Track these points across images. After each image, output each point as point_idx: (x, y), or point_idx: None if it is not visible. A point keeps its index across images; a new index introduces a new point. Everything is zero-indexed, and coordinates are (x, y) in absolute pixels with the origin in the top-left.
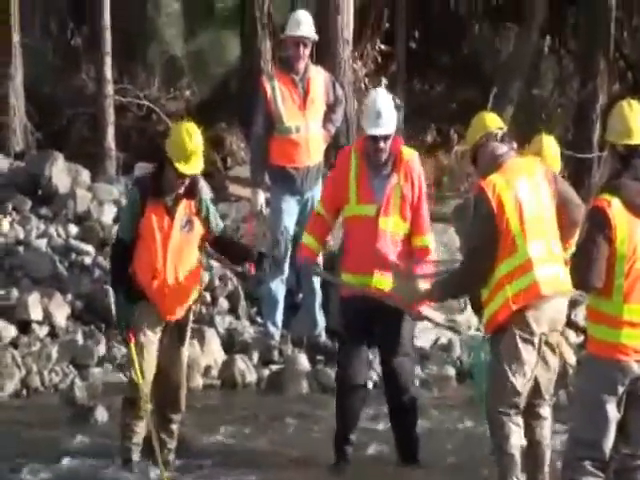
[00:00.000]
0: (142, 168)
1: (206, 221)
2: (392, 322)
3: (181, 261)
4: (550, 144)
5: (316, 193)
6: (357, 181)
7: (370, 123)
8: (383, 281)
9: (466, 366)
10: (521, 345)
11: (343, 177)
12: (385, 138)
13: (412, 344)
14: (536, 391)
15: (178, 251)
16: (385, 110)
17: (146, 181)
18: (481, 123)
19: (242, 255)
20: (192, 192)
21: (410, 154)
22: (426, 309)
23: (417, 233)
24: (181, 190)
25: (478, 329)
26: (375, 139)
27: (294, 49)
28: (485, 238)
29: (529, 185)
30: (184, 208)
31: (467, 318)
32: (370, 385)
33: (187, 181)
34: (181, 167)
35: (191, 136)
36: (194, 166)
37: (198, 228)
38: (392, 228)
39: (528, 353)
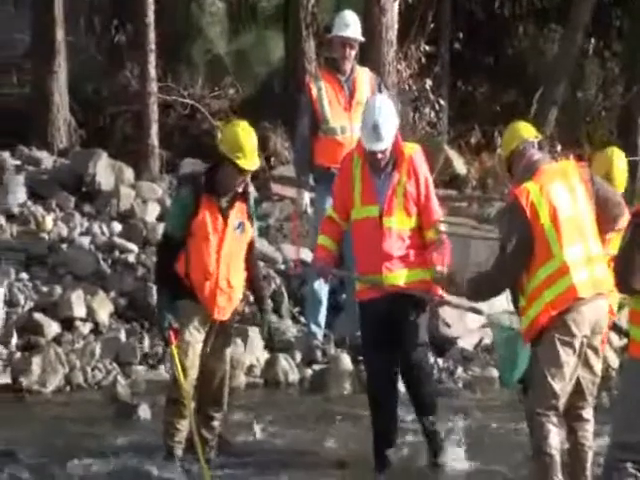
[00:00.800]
0: (189, 165)
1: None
2: (410, 319)
3: (233, 263)
4: (619, 160)
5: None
6: (360, 183)
7: (368, 138)
8: (394, 277)
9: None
10: (560, 348)
11: (347, 181)
12: (383, 151)
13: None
14: (579, 393)
15: (230, 253)
16: (383, 122)
17: (198, 178)
18: (516, 133)
19: (254, 290)
20: (245, 194)
21: (412, 150)
22: (446, 294)
23: (427, 227)
24: (240, 188)
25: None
26: (374, 152)
27: (341, 50)
28: (519, 246)
29: (564, 188)
30: (238, 210)
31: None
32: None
33: (247, 178)
34: (242, 163)
35: (248, 133)
36: (253, 162)
37: (249, 230)
38: (397, 225)
39: (567, 356)
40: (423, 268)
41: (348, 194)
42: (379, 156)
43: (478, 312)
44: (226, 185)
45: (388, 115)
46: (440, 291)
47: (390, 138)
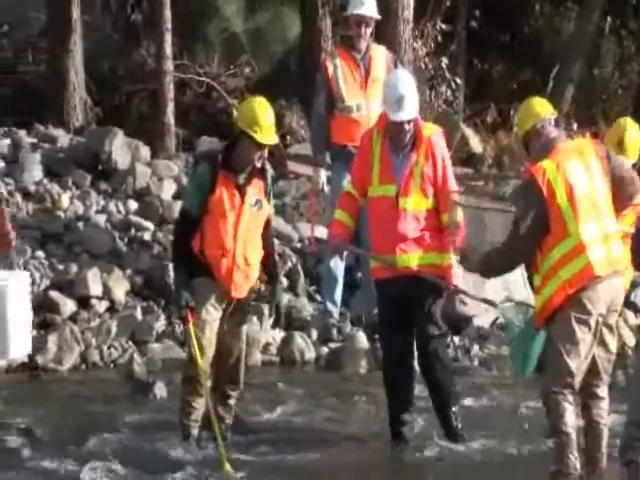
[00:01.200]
0: (206, 142)
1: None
2: (426, 300)
3: (250, 240)
4: (632, 130)
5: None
6: (379, 161)
7: (393, 109)
8: (407, 259)
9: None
10: (576, 326)
11: (367, 158)
12: (409, 121)
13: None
14: (594, 371)
15: (247, 230)
16: (407, 93)
17: (216, 155)
18: (532, 110)
19: (268, 270)
20: (263, 171)
21: (431, 131)
22: (460, 283)
23: (444, 210)
24: (258, 164)
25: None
26: (399, 123)
27: (356, 28)
28: (534, 224)
29: (580, 166)
30: (255, 187)
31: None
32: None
33: (264, 152)
34: (259, 137)
35: (264, 108)
36: (271, 136)
37: (266, 207)
38: (413, 206)
39: (583, 334)
40: (438, 252)
41: (367, 171)
42: (405, 127)
43: (492, 304)
44: (243, 161)
45: (412, 87)
46: (454, 279)
47: (415, 110)
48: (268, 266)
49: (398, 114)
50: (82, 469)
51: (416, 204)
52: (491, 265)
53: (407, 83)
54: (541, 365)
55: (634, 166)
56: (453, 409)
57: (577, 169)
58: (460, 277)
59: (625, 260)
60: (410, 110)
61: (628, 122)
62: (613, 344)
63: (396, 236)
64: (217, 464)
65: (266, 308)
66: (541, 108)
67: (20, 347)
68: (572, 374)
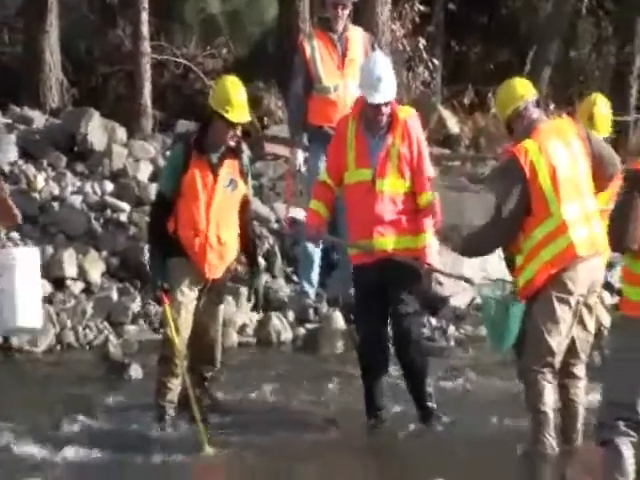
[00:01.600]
0: (184, 125)
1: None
2: (401, 283)
3: (224, 220)
4: (602, 104)
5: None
6: (354, 146)
7: (370, 91)
8: (384, 242)
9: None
10: (557, 305)
11: (342, 144)
12: (386, 104)
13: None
14: (572, 351)
15: (221, 210)
16: (385, 76)
17: (190, 137)
18: (516, 92)
19: (247, 251)
20: (237, 151)
21: (406, 113)
22: (435, 262)
23: (420, 191)
24: (231, 143)
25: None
26: (376, 106)
27: (333, 10)
28: (516, 205)
29: (562, 147)
30: (228, 167)
31: None
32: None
33: (237, 132)
34: (230, 115)
35: (236, 87)
36: (242, 115)
37: (241, 188)
38: (390, 188)
39: (564, 313)
40: (413, 235)
41: (342, 157)
42: (382, 109)
43: (468, 281)
44: (216, 141)
45: (389, 70)
46: (429, 258)
47: (392, 92)
48: (247, 249)
49: (375, 96)
50: (57, 451)
51: (393, 186)
52: (474, 246)
53: (384, 66)
54: (518, 342)
55: (605, 140)
56: (427, 390)
57: (559, 150)
58: (435, 257)
59: (605, 240)
60: (387, 93)
61: (598, 97)
62: (592, 324)
63: (373, 219)
64: (194, 444)
65: (243, 289)
66: (524, 90)
67: (30, 320)
68: (552, 353)
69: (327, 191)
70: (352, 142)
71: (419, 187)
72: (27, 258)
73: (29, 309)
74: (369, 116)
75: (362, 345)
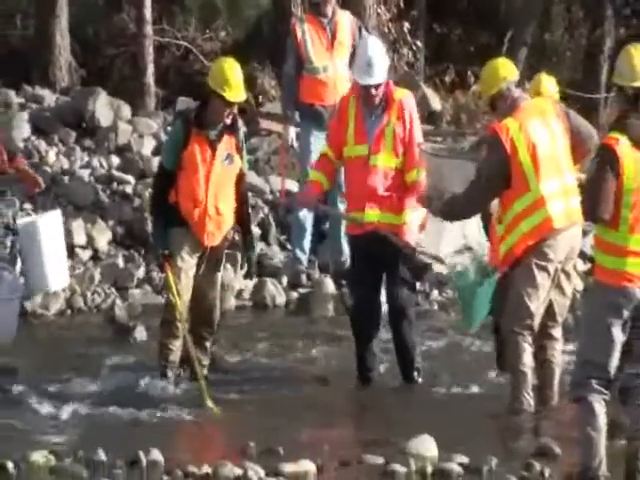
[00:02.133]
0: (184, 102)
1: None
2: (395, 259)
3: (221, 192)
4: (547, 83)
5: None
6: (354, 123)
7: (362, 73)
8: (373, 214)
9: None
10: (536, 271)
11: (343, 121)
12: (377, 86)
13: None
14: (550, 314)
15: (219, 182)
16: (376, 59)
17: (190, 114)
18: (499, 74)
19: (241, 222)
20: (234, 127)
21: (402, 94)
22: (413, 239)
23: (408, 168)
24: (228, 120)
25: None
26: (368, 87)
27: None
28: (494, 178)
29: (542, 125)
30: (225, 142)
31: None
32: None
33: (234, 110)
34: (227, 95)
35: (233, 68)
36: (239, 94)
37: (237, 162)
38: (382, 163)
39: (543, 279)
40: (396, 213)
41: (343, 132)
42: (373, 91)
43: (441, 261)
44: (215, 118)
45: (380, 53)
46: (406, 237)
47: (383, 74)
48: (242, 218)
49: (366, 79)
50: (67, 407)
51: (385, 161)
52: (453, 210)
53: (376, 50)
54: (492, 310)
55: None
56: (416, 365)
57: (539, 128)
58: (414, 234)
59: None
60: (378, 75)
61: (543, 76)
62: (569, 289)
63: (367, 192)
64: (196, 401)
65: (240, 256)
66: (506, 72)
67: (58, 280)
68: (532, 316)
69: (328, 163)
70: (352, 119)
71: (408, 164)
72: (50, 223)
73: (57, 271)
74: (363, 97)
75: (355, 311)
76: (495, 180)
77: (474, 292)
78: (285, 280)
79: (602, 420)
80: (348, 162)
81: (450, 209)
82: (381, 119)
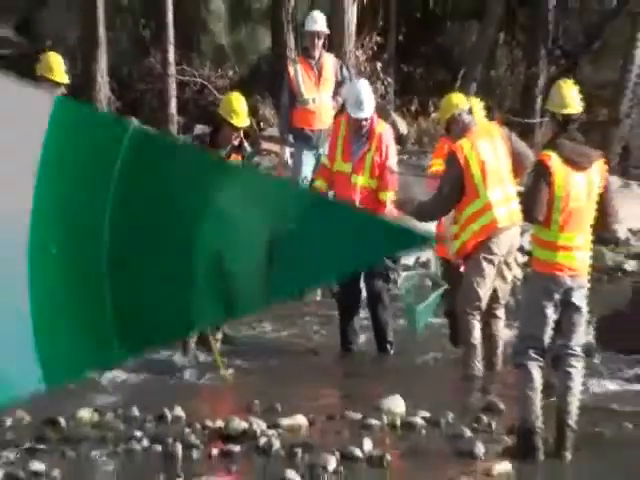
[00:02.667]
0: (200, 129)
1: None
2: None
3: None
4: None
5: (326, 149)
6: (342, 144)
7: (355, 109)
8: None
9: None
10: (484, 264)
11: (334, 139)
12: (366, 119)
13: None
14: (494, 298)
15: None
16: (366, 98)
17: (205, 137)
18: (453, 102)
19: None
20: (240, 147)
21: (382, 128)
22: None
23: (380, 189)
24: (235, 142)
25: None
26: (359, 120)
27: (311, 40)
28: (454, 188)
29: (489, 145)
30: (233, 160)
31: None
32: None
33: (240, 134)
34: (234, 121)
35: (239, 100)
36: (244, 121)
37: None
38: (361, 183)
39: (489, 269)
40: None
41: (334, 149)
42: (363, 123)
43: (396, 271)
44: (225, 140)
45: (369, 93)
46: None
47: (371, 110)
48: None
49: (358, 113)
50: (105, 375)
51: (364, 182)
52: (422, 213)
53: (366, 90)
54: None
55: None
56: (388, 339)
57: (487, 147)
58: None
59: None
60: (367, 110)
61: (473, 100)
62: (509, 277)
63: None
64: (211, 369)
65: None
66: (458, 101)
67: None
68: (480, 299)
69: (326, 172)
70: (341, 140)
71: (380, 185)
72: None
73: None
74: (353, 126)
75: (341, 294)
76: (453, 189)
77: (414, 310)
78: None
79: (538, 382)
80: (336, 175)
81: (420, 211)
82: (364, 145)
